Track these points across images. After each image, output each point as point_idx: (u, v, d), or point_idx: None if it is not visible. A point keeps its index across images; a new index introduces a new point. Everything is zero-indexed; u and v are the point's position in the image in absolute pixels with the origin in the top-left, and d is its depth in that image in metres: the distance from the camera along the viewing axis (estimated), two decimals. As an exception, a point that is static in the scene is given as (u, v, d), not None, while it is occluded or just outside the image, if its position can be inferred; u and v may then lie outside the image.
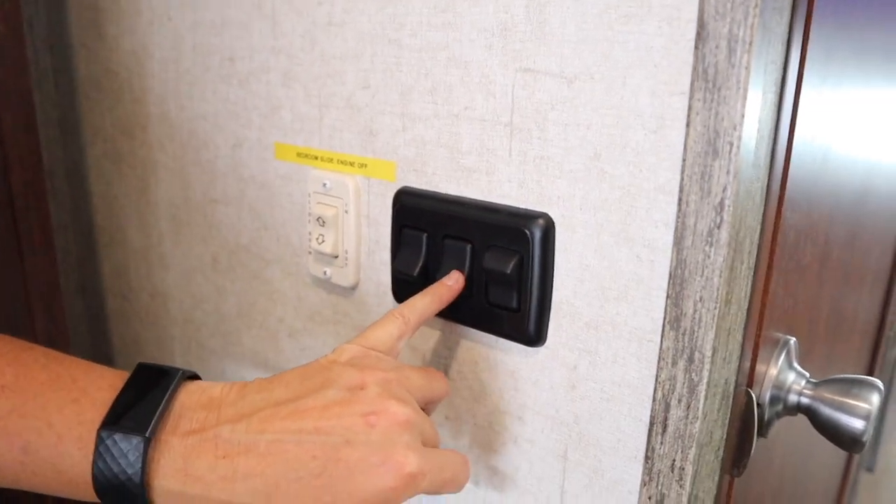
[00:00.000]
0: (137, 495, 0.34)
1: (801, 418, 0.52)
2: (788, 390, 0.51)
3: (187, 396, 0.37)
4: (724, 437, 0.45)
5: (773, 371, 0.50)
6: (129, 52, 0.68)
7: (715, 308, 0.37)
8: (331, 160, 0.53)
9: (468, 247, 0.46)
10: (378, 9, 0.48)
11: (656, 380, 0.40)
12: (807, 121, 0.45)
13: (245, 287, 0.65)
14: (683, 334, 0.39)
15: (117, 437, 0.34)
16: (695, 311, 0.38)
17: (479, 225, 0.45)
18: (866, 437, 0.49)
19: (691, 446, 0.40)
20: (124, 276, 0.78)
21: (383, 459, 0.35)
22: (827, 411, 0.50)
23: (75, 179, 0.78)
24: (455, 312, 0.48)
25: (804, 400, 0.51)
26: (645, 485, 0.42)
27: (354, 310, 0.56)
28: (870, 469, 1.46)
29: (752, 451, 0.48)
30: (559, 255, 0.43)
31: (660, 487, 0.42)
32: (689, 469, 0.40)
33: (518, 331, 0.45)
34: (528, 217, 0.43)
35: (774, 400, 0.51)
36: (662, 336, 0.40)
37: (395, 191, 0.50)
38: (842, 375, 0.51)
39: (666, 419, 0.40)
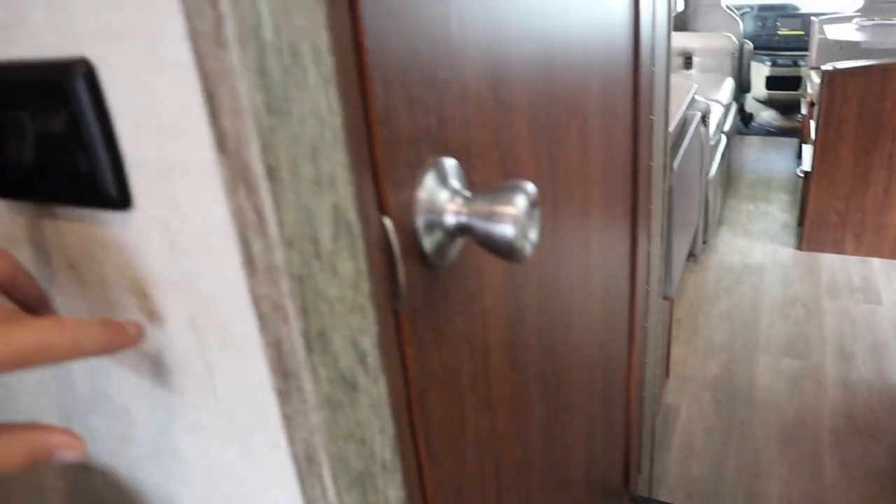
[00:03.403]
0: None
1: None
2: (443, 211, 0.49)
3: None
4: (364, 269, 0.42)
5: (421, 195, 0.48)
6: None
7: (253, 119, 0.33)
8: None
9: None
10: None
11: (232, 215, 0.36)
12: None
13: None
14: (232, 156, 0.35)
15: None
16: (233, 125, 0.34)
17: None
18: (520, 244, 0.48)
19: (280, 279, 0.37)
20: None
21: None
22: (480, 224, 0.48)
23: None
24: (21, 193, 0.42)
25: (462, 219, 0.49)
26: (261, 331, 0.39)
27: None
28: (666, 297, 1.56)
29: (404, 280, 0.46)
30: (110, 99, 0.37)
31: (273, 330, 0.39)
32: (290, 304, 0.37)
33: (101, 196, 0.40)
34: (64, 66, 0.37)
35: (432, 224, 0.49)
36: (219, 163, 0.35)
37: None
38: (495, 185, 0.50)
39: (252, 256, 0.37)
